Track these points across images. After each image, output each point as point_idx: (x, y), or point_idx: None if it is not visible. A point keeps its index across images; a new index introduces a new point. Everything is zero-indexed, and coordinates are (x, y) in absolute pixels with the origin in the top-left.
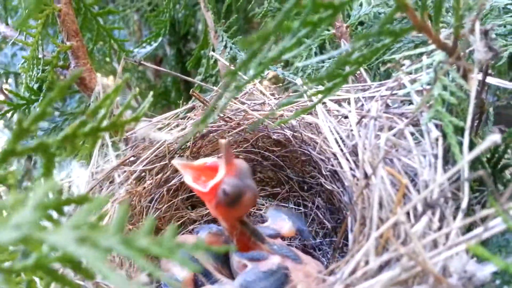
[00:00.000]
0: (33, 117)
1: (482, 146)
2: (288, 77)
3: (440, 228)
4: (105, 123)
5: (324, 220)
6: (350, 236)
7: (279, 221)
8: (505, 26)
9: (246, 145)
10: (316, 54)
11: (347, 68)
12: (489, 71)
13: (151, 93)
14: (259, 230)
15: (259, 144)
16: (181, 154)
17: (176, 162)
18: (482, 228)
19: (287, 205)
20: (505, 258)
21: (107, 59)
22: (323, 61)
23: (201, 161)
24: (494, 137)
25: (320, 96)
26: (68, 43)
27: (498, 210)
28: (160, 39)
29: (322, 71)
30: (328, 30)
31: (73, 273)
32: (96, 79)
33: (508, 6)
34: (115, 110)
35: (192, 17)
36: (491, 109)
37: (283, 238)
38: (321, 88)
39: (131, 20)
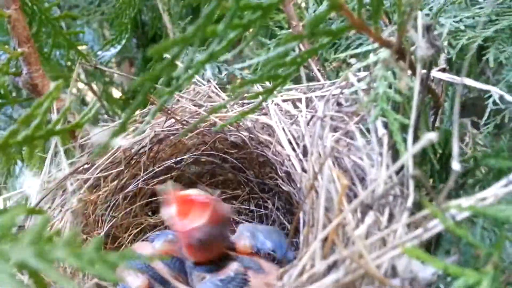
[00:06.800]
0: None
1: (419, 145)
2: (246, 77)
3: (387, 228)
4: (40, 131)
5: (285, 221)
6: (301, 238)
7: (240, 238)
8: (473, 18)
9: (204, 147)
10: None
11: None
12: (446, 67)
13: (97, 103)
14: None
15: (218, 146)
16: (138, 160)
17: (165, 188)
18: (421, 229)
19: (248, 207)
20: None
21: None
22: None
23: (193, 192)
24: (430, 136)
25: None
26: (19, 50)
27: (434, 210)
28: (123, 41)
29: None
30: (284, 29)
31: None
32: (49, 85)
33: None
34: (70, 117)
35: (159, 20)
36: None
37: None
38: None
39: (95, 26)
